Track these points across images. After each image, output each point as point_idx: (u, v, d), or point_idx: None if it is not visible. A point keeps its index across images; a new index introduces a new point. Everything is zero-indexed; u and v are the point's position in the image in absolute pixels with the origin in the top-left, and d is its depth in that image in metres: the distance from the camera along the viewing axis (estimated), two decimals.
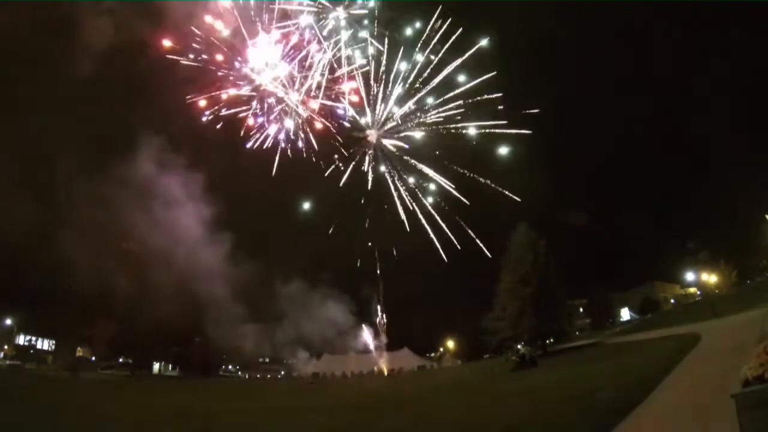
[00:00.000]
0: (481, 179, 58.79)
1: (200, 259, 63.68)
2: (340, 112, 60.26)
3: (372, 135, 61.06)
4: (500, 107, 56.99)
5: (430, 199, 60.92)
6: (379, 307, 70.96)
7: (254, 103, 59.86)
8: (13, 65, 49.92)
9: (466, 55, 57.53)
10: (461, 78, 58.12)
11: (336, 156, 60.39)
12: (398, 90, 59.42)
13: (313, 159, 59.90)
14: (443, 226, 59.77)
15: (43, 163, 55.78)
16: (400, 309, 71.59)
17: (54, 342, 68.01)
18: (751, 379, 6.06)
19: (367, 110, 60.27)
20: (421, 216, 60.89)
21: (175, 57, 55.79)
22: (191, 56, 56.26)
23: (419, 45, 58.12)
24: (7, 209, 47.28)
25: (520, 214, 55.15)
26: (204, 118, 58.49)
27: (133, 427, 18.29)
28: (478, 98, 57.62)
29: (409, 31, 58.30)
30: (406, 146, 61.31)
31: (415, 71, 58.85)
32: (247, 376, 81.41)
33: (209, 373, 73.91)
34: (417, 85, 59.29)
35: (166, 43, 55.71)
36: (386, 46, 58.00)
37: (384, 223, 61.23)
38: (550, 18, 56.61)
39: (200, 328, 68.78)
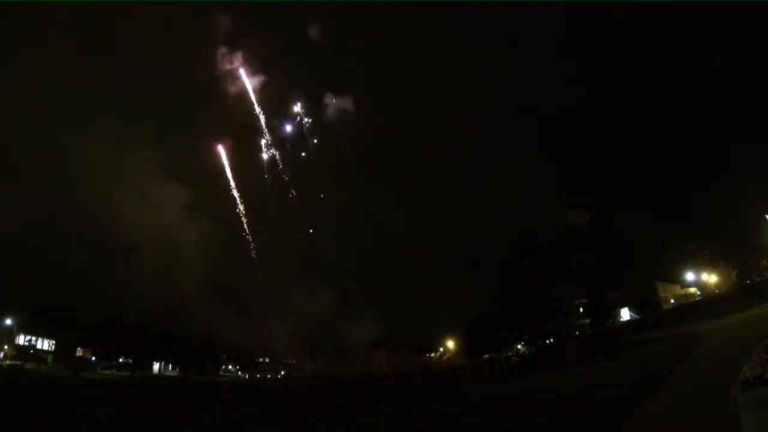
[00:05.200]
0: None
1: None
2: None
3: None
4: None
5: None
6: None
7: None
8: None
9: None
10: None
11: None
12: None
13: None
14: None
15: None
16: (400, 308, 71.59)
17: (54, 342, 67.83)
18: (751, 379, 6.06)
19: None
20: None
21: None
22: None
23: None
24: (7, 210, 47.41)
25: (520, 215, 55.33)
26: None
27: None
28: None
29: None
30: None
31: None
32: (247, 376, 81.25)
33: (209, 373, 73.76)
34: None
35: None
36: None
37: None
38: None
39: (200, 327, 68.81)
